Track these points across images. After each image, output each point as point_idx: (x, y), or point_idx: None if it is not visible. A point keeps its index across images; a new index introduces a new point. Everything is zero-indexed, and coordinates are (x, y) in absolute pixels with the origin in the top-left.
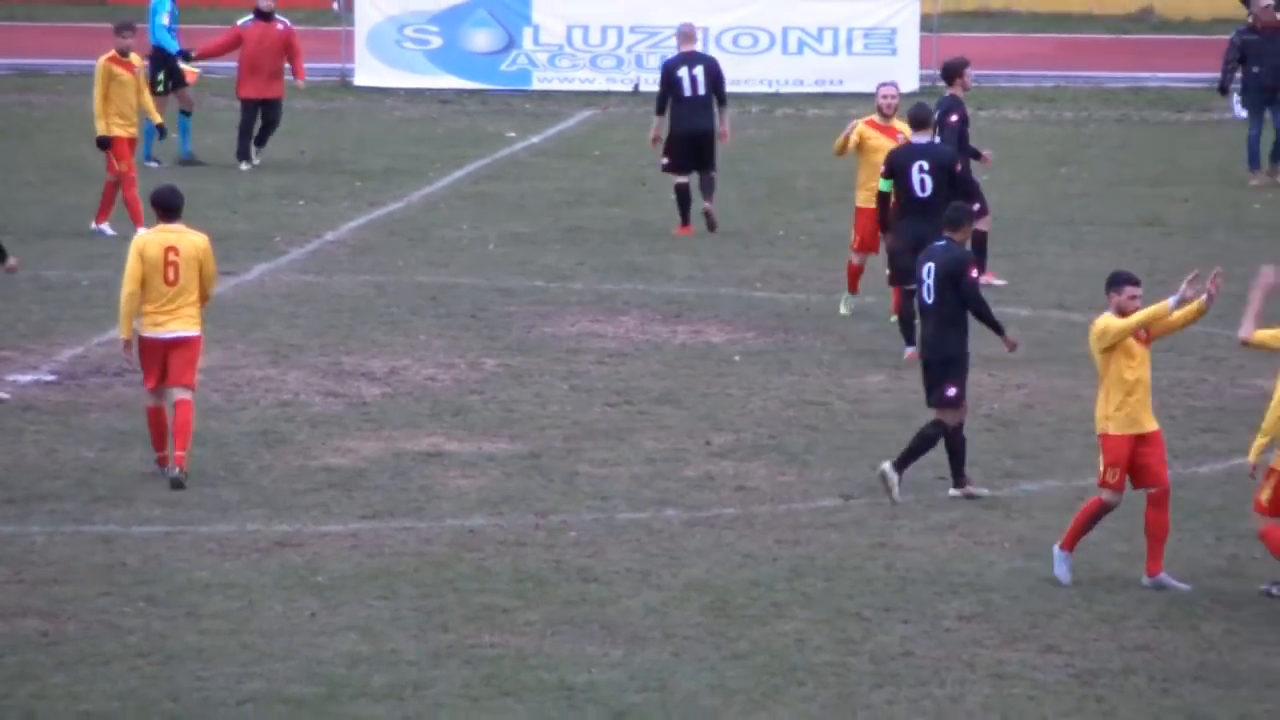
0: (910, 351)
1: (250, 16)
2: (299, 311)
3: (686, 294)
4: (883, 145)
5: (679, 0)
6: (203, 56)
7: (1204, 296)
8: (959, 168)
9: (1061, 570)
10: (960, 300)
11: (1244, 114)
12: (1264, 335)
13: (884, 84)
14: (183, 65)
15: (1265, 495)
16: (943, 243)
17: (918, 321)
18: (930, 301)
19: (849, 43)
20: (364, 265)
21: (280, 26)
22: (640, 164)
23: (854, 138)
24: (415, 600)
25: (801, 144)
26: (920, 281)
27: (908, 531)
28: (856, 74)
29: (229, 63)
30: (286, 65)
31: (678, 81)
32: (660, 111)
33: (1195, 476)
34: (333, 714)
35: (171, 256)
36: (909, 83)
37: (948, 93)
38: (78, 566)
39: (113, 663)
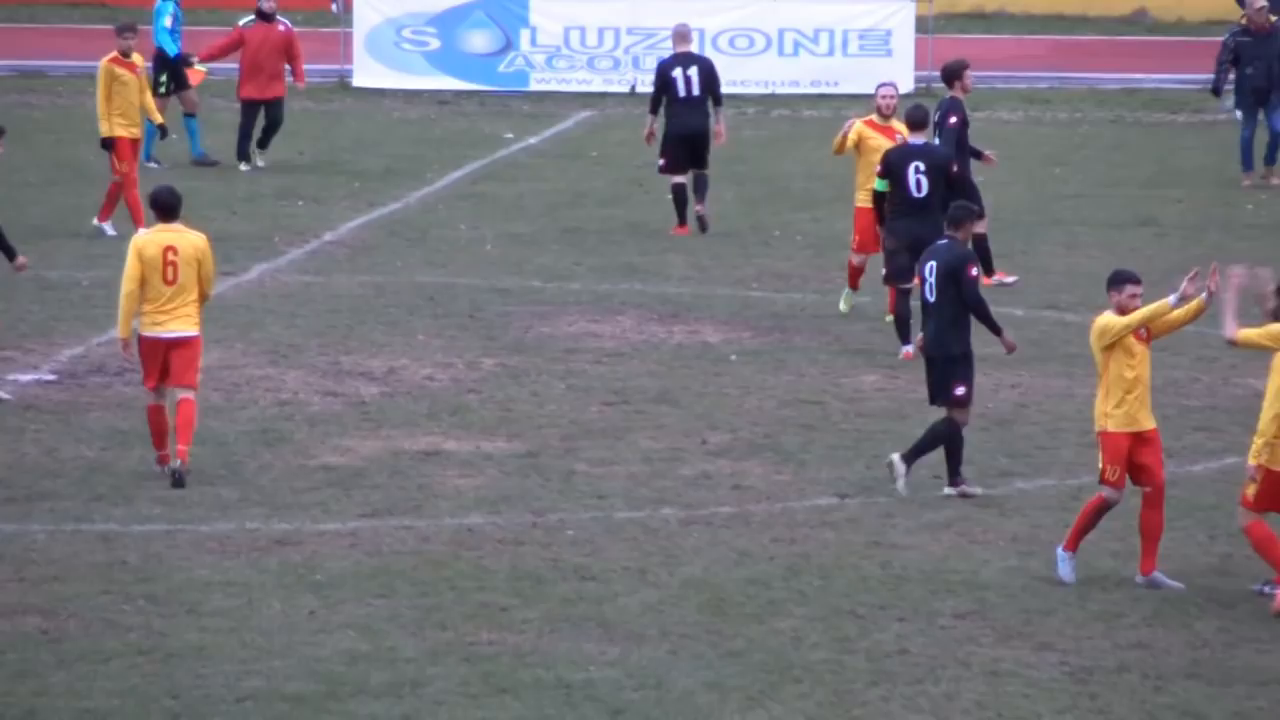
0: (906, 351)
1: (251, 17)
2: (298, 311)
3: (683, 294)
4: (882, 145)
5: (676, 2)
6: (205, 59)
7: (1204, 295)
8: (955, 169)
9: (1065, 570)
10: (960, 298)
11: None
12: (1250, 333)
13: (883, 84)
14: (189, 66)
15: (1251, 490)
16: (945, 241)
17: (916, 321)
18: (933, 300)
19: (844, 44)
20: (362, 265)
21: (281, 28)
22: (637, 165)
23: (852, 136)
24: (413, 598)
25: (797, 145)
26: (923, 280)
27: (903, 530)
28: (852, 75)
29: (230, 64)
30: (287, 66)
31: (673, 82)
32: (653, 111)
33: (1189, 475)
34: (332, 711)
35: (170, 256)
36: (904, 84)
37: (948, 95)
38: (78, 565)
39: (113, 660)
